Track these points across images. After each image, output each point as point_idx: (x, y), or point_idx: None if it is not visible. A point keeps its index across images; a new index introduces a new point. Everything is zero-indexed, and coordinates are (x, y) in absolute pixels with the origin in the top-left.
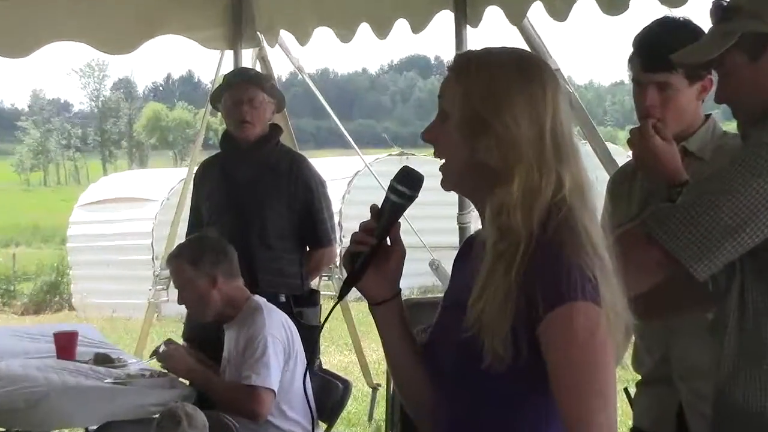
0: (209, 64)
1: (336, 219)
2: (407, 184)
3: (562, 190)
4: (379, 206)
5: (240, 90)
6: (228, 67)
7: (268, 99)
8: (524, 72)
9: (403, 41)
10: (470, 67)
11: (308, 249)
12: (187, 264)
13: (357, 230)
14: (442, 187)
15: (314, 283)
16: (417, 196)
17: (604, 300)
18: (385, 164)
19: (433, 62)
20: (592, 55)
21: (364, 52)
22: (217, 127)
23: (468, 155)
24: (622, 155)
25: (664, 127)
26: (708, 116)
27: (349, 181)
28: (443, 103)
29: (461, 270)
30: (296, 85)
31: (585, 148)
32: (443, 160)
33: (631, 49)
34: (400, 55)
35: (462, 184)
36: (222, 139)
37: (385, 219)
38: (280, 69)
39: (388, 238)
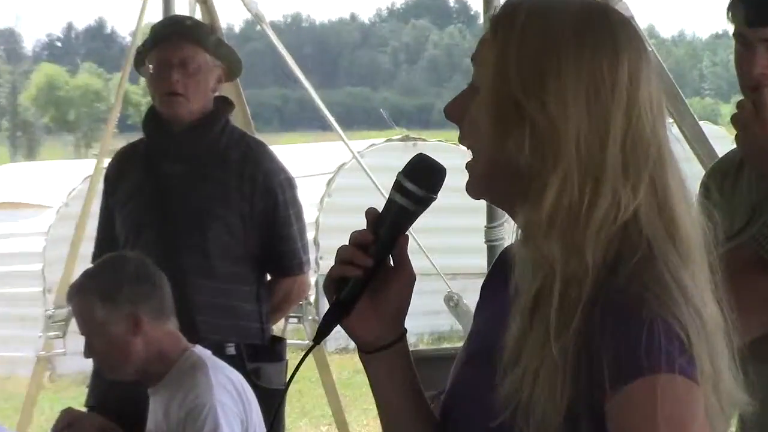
0: (128, 11)
1: (311, 234)
2: (421, 179)
3: (623, 214)
4: (379, 211)
5: (169, 48)
6: (155, 14)
7: (212, 61)
8: (586, 32)
9: None
10: (513, 21)
11: (270, 278)
12: (97, 300)
13: (344, 245)
14: (467, 191)
15: (278, 327)
16: (435, 198)
17: (702, 373)
18: (382, 153)
19: (452, 4)
20: None
21: None
22: (140, 100)
23: (496, 148)
24: (725, 139)
25: None
26: None
27: (329, 179)
28: (476, 70)
29: (493, 300)
30: (255, 38)
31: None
32: (469, 152)
33: None
34: None
35: (491, 188)
36: (146, 118)
37: (387, 230)
38: (232, 16)
39: (390, 258)
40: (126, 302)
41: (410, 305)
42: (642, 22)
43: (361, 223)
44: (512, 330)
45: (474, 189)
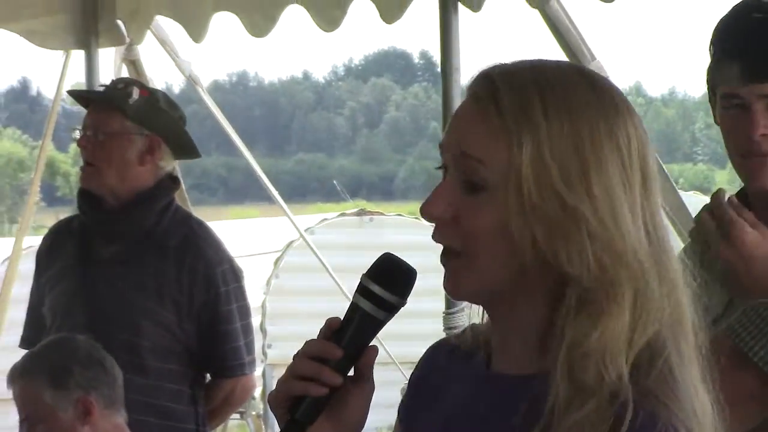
0: (49, 69)
1: (257, 320)
2: (391, 283)
3: (667, 315)
4: (342, 318)
5: (89, 111)
6: (78, 75)
7: (133, 129)
8: (607, 112)
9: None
10: (533, 108)
11: (210, 378)
12: (46, 383)
13: (302, 358)
14: (449, 293)
15: (218, 430)
16: (404, 304)
17: None
18: (334, 229)
19: (417, 60)
20: (675, 54)
21: (305, 48)
22: (69, 169)
23: (532, 258)
24: None
25: None
26: None
27: (277, 258)
28: (475, 164)
29: (434, 402)
30: (196, 100)
31: None
32: (452, 251)
33: (709, 49)
34: (365, 50)
35: (500, 297)
36: (80, 191)
37: (353, 340)
38: (171, 75)
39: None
40: (77, 387)
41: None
42: (629, 80)
43: (311, 308)
44: None
45: (465, 291)
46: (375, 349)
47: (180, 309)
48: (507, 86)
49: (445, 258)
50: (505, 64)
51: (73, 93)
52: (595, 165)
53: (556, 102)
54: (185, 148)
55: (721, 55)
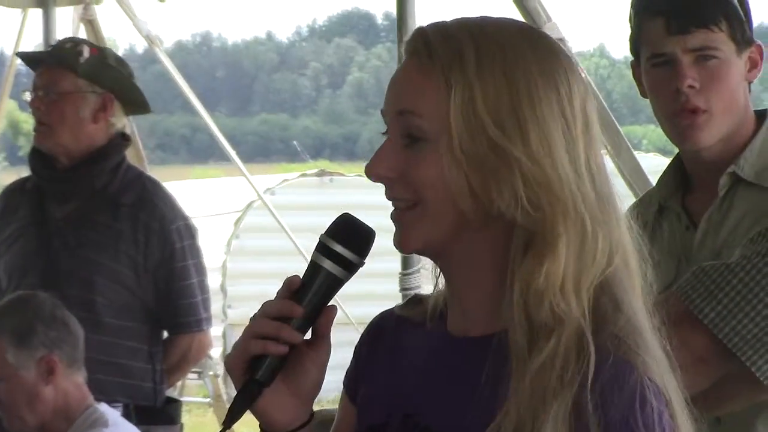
0: (9, 29)
1: (217, 280)
2: (350, 242)
3: (614, 257)
4: (302, 276)
5: (36, 74)
6: (36, 34)
7: (86, 86)
8: (545, 64)
9: None
10: (464, 55)
11: (167, 335)
12: (9, 341)
13: (260, 318)
14: (399, 247)
15: (175, 387)
16: (363, 263)
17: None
18: (295, 190)
19: (380, 21)
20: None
21: (269, 8)
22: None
23: (472, 205)
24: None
25: (711, 124)
26: (763, 113)
27: (237, 219)
28: (411, 117)
29: (389, 367)
30: (159, 61)
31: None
32: (399, 204)
33: (629, 17)
34: (329, 11)
35: (449, 248)
36: (32, 151)
37: (313, 299)
38: (134, 35)
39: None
40: (40, 346)
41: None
42: (592, 42)
43: (271, 268)
44: (505, 412)
45: (416, 242)
46: (334, 309)
47: (136, 266)
48: (440, 38)
49: (397, 213)
50: (442, 21)
51: (21, 55)
52: (529, 111)
53: (491, 52)
54: (136, 104)
55: (643, 14)
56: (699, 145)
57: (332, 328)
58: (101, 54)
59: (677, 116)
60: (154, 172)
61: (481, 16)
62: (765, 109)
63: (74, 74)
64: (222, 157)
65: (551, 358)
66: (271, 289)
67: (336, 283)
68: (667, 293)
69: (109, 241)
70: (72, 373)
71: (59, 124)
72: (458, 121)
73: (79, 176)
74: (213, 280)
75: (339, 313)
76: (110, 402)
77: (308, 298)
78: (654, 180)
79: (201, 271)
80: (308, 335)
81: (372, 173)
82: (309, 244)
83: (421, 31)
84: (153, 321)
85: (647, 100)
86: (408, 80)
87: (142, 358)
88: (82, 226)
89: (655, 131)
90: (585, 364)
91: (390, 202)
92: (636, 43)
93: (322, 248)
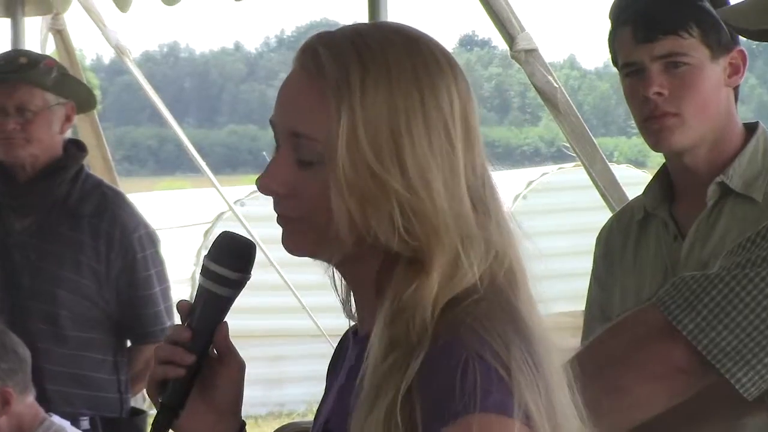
0: None
1: (186, 291)
2: (230, 261)
3: (491, 259)
4: (193, 300)
5: (2, 91)
6: (2, 44)
7: (55, 100)
8: (428, 80)
9: (298, 1)
10: (350, 78)
11: (130, 344)
12: None
13: (160, 344)
14: (288, 249)
15: (144, 398)
16: (249, 278)
17: (528, 410)
18: (265, 200)
19: None
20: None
21: (237, 19)
22: None
23: (349, 233)
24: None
25: (684, 127)
26: (753, 127)
27: (207, 230)
28: (306, 141)
29: (333, 385)
30: (128, 71)
31: (574, 176)
32: (291, 216)
33: (608, 24)
34: (297, 22)
35: (334, 261)
36: None
37: (202, 321)
38: (101, 45)
39: (213, 349)
40: None
41: (296, 370)
42: (563, 53)
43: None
44: (356, 414)
45: (299, 250)
46: (226, 325)
47: (98, 277)
48: (329, 54)
49: (281, 221)
50: (329, 32)
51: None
52: (408, 140)
53: (375, 75)
54: (88, 104)
55: (615, 23)
56: (671, 148)
57: (307, 339)
58: (57, 64)
59: (647, 122)
60: (122, 184)
61: (360, 24)
62: (755, 122)
63: (43, 90)
64: (190, 168)
65: (391, 367)
66: (239, 301)
67: (223, 302)
68: (645, 304)
69: (70, 253)
70: (24, 396)
71: (35, 139)
72: (342, 149)
73: (37, 189)
74: (182, 291)
75: (311, 325)
76: (77, 414)
77: (197, 319)
78: (628, 191)
79: (163, 279)
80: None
81: (263, 187)
82: (280, 256)
83: (310, 45)
84: (116, 331)
85: (618, 112)
86: (301, 100)
87: (106, 369)
88: (43, 239)
89: (626, 143)
90: (417, 355)
91: None
92: (613, 51)
93: (204, 270)
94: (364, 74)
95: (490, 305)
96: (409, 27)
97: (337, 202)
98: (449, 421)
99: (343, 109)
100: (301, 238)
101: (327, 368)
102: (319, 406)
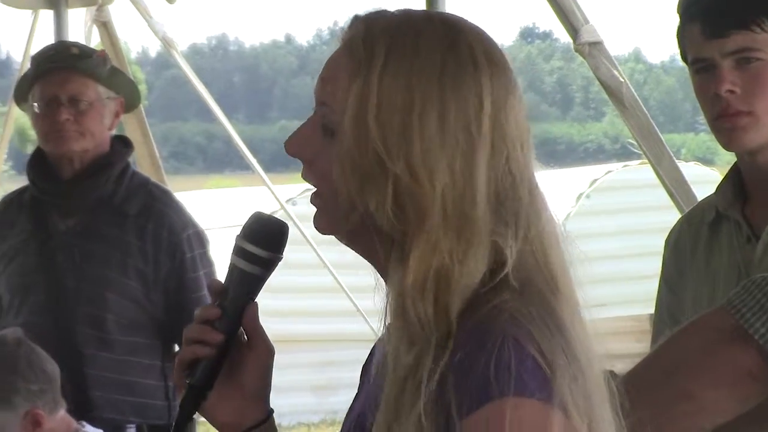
0: (19, 32)
1: None
2: (262, 240)
3: (502, 268)
4: (224, 279)
5: (55, 83)
6: (46, 37)
7: (107, 93)
8: (456, 74)
9: None
10: (373, 56)
11: (178, 349)
12: None
13: (189, 325)
14: (316, 228)
15: None
16: (281, 259)
17: (571, 406)
18: None
19: None
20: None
21: (288, 10)
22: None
23: (355, 204)
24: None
25: (757, 126)
26: None
27: None
28: (326, 110)
29: (366, 383)
30: (175, 64)
31: (640, 174)
32: (316, 190)
33: (678, 18)
34: (351, 13)
35: (352, 239)
36: (31, 162)
37: (232, 300)
38: (147, 37)
39: (242, 330)
40: (24, 402)
41: (349, 376)
42: (627, 46)
43: (292, 282)
44: (381, 410)
45: (325, 227)
46: (256, 306)
47: (145, 279)
48: (364, 32)
49: (311, 198)
50: (378, 12)
51: (45, 58)
52: (417, 126)
53: (401, 53)
54: (135, 104)
55: (685, 20)
56: (743, 148)
57: (354, 344)
58: (107, 57)
59: (718, 120)
60: (169, 182)
61: (419, 12)
62: None
63: (96, 82)
64: (239, 166)
65: (417, 358)
66: (295, 305)
67: (253, 281)
68: (715, 307)
69: (116, 254)
70: (56, 413)
71: (88, 132)
72: (349, 121)
73: (82, 187)
74: None
75: (367, 329)
76: (122, 422)
77: (229, 299)
78: (696, 189)
79: (213, 279)
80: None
81: (289, 146)
82: (334, 257)
83: (355, 21)
84: (164, 335)
85: (685, 107)
86: (332, 69)
87: (154, 375)
88: (88, 240)
89: (694, 139)
90: (445, 358)
91: None
92: (682, 47)
93: (236, 249)
94: (388, 56)
95: (525, 303)
96: (461, 19)
97: (337, 173)
98: (478, 405)
99: (358, 84)
100: (320, 216)
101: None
102: (352, 402)
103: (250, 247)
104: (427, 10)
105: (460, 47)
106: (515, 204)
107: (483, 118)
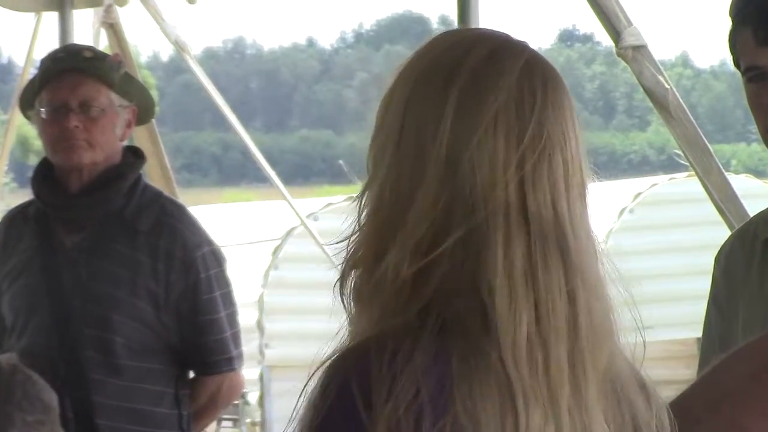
0: (21, 35)
1: (253, 317)
2: None
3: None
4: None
5: (65, 88)
6: (51, 40)
7: (119, 101)
8: (425, 90)
9: None
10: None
11: (193, 375)
12: None
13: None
14: None
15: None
16: None
17: None
18: (341, 215)
19: (436, 26)
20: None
21: (310, 12)
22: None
23: None
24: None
25: None
26: None
27: (276, 247)
28: None
29: None
30: (188, 69)
31: (687, 187)
32: None
33: (729, 22)
34: (377, 15)
35: None
36: (36, 174)
37: None
38: (158, 41)
39: None
40: None
41: None
42: (675, 50)
43: (313, 303)
44: None
45: None
46: None
47: (157, 300)
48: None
49: None
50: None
51: (54, 61)
52: (377, 132)
53: (406, 65)
54: (149, 116)
55: (736, 24)
56: None
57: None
58: (121, 63)
59: None
60: (181, 196)
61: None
62: None
63: (108, 88)
64: (256, 178)
65: None
66: (314, 327)
67: None
68: (761, 336)
69: (125, 273)
70: None
71: (99, 142)
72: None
73: (92, 199)
74: (249, 317)
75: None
76: None
77: None
78: (747, 204)
79: (230, 302)
80: None
81: None
82: None
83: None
84: (177, 361)
85: (736, 116)
86: None
87: (167, 404)
88: (96, 257)
89: (745, 150)
90: None
91: None
92: (734, 52)
93: None
94: (400, 68)
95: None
96: (488, 35)
97: None
98: None
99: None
100: None
101: None
102: None
103: None
104: (471, 29)
105: (443, 66)
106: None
107: (437, 146)
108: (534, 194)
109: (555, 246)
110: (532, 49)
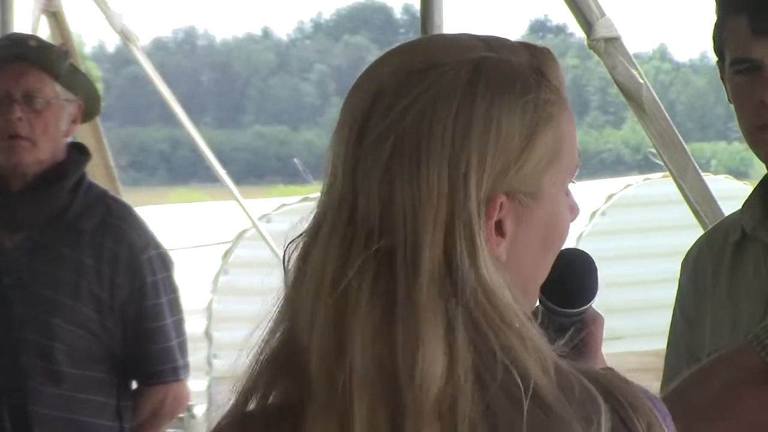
0: None
1: (201, 325)
2: (562, 297)
3: None
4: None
5: (7, 78)
6: None
7: (65, 95)
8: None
9: None
10: None
11: (137, 385)
12: None
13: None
14: None
15: None
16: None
17: None
18: (295, 217)
19: (399, 16)
20: (707, 12)
21: (265, 0)
22: None
23: None
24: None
25: None
26: None
27: (226, 251)
28: None
29: None
30: (135, 62)
31: (663, 188)
32: None
33: (715, 12)
34: (337, 4)
35: None
36: None
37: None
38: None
39: None
40: None
41: None
42: (651, 42)
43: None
44: None
45: None
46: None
47: (101, 305)
48: None
49: None
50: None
51: (2, 48)
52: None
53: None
54: (95, 111)
55: (728, 11)
56: None
57: None
58: (68, 54)
59: (761, 131)
60: (127, 195)
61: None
62: None
63: (54, 80)
64: (207, 177)
65: None
66: None
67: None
68: (740, 344)
69: (68, 276)
70: None
71: (43, 139)
72: None
73: (33, 199)
74: (196, 325)
75: None
76: None
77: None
78: (725, 207)
79: (176, 309)
80: None
81: None
82: None
83: None
84: (120, 370)
85: (717, 113)
86: None
87: (108, 415)
88: (37, 259)
89: (726, 149)
90: None
91: None
92: (719, 41)
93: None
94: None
95: None
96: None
97: None
98: None
99: None
100: None
101: None
102: None
103: (552, 307)
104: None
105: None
106: None
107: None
108: None
109: None
110: None
